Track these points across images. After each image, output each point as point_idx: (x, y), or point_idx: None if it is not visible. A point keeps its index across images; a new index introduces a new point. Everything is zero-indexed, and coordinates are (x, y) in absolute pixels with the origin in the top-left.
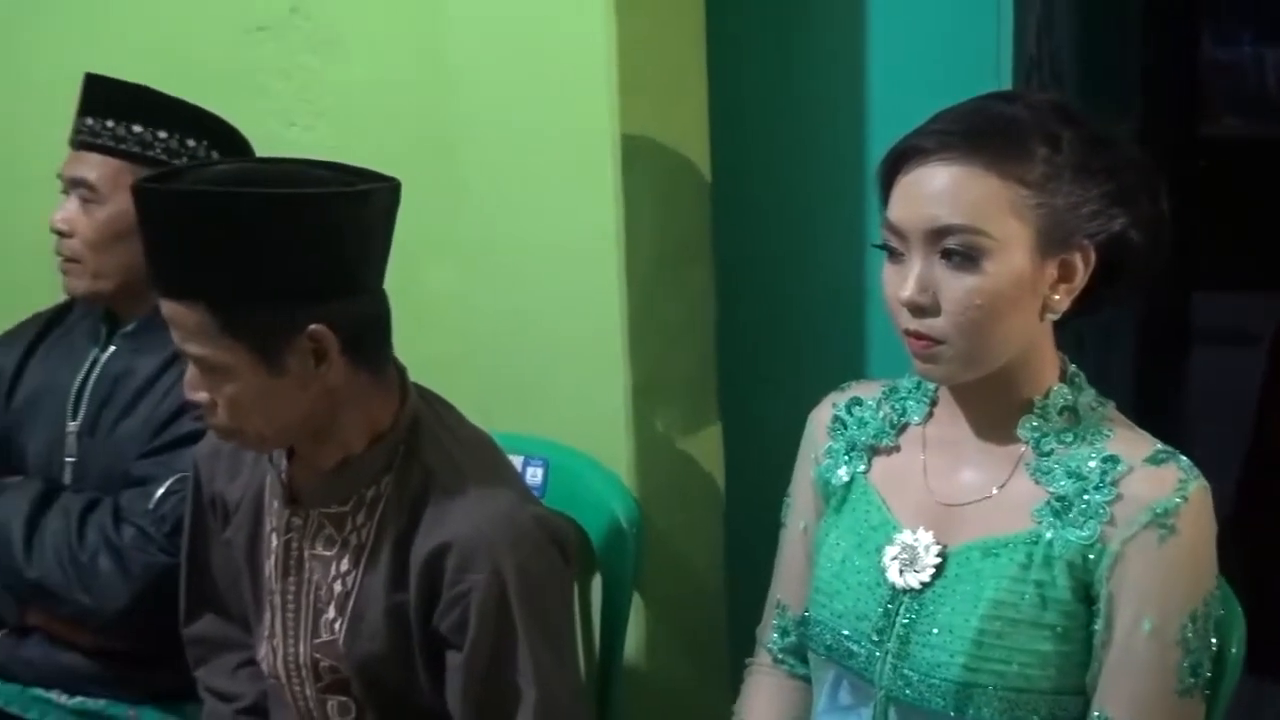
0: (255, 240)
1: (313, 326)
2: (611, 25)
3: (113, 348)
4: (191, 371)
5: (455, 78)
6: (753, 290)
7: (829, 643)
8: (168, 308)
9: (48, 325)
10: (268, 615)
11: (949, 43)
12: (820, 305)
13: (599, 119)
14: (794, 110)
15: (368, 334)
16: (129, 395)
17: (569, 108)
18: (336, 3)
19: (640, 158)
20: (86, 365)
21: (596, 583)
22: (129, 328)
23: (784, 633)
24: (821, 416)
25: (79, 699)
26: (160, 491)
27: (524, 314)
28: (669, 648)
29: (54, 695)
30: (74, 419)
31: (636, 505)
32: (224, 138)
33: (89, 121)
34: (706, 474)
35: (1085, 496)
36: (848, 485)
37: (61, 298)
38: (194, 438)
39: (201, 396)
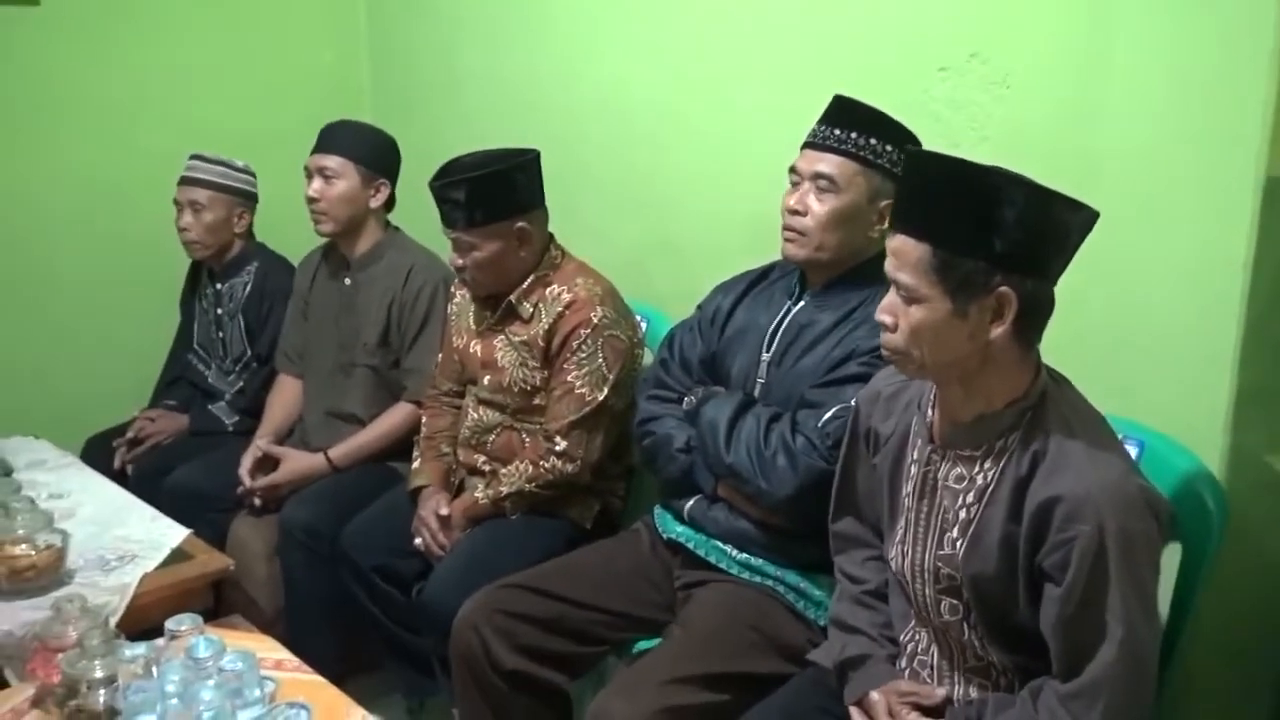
0: (991, 210)
1: (1002, 289)
2: (1273, 71)
3: (802, 303)
4: (890, 297)
5: (1106, 112)
6: None
7: None
8: (897, 241)
9: (756, 280)
10: (900, 527)
11: None
12: None
13: (1244, 155)
14: None
15: (1036, 315)
16: (809, 340)
17: (1214, 143)
18: (1010, 49)
19: None
20: (780, 313)
21: (1171, 553)
22: (816, 289)
23: None
24: None
25: (744, 555)
26: (828, 415)
27: (1137, 318)
28: (1229, 627)
29: (728, 549)
30: (767, 351)
31: (1225, 494)
32: None
33: (836, 131)
34: None
35: None
36: None
37: (756, 260)
38: (855, 379)
39: (887, 319)
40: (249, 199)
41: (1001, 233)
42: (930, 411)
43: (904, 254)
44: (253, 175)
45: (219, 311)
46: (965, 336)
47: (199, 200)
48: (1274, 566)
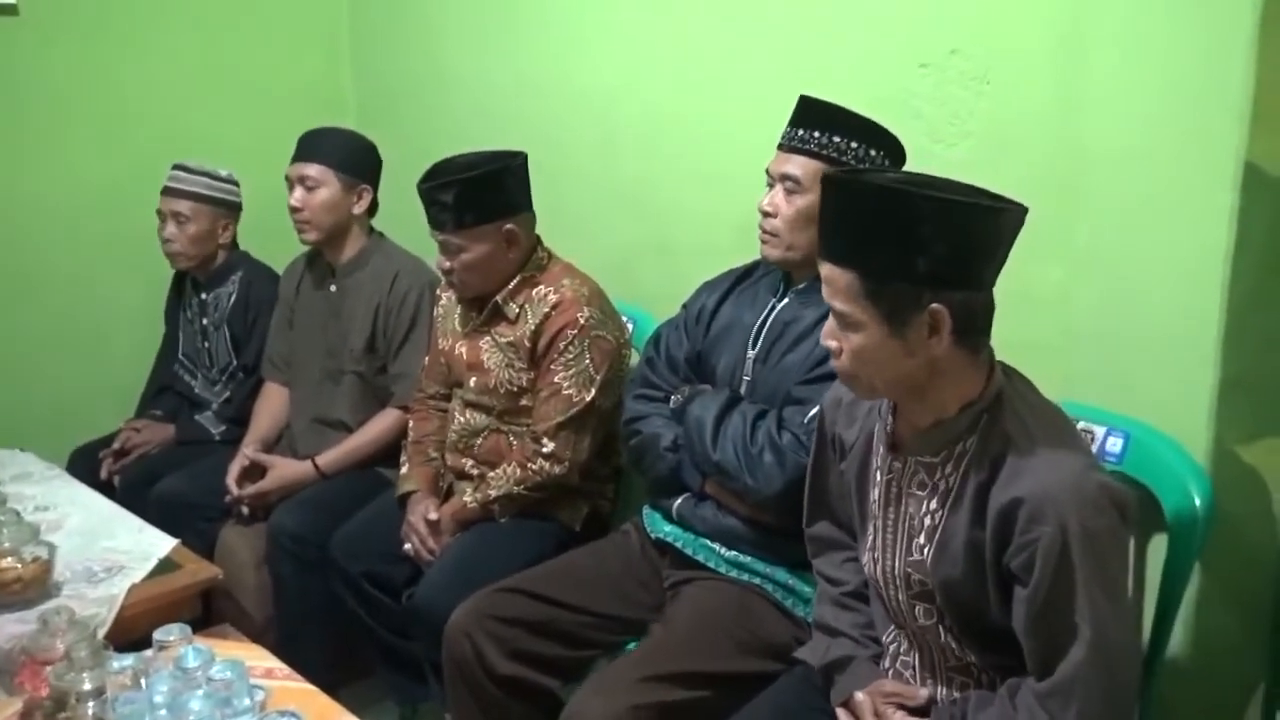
0: (910, 230)
1: (934, 306)
2: (1251, 64)
3: (786, 300)
4: (830, 323)
5: (1088, 108)
6: None
7: None
8: (826, 269)
9: (741, 278)
10: (870, 534)
11: None
12: None
13: (1224, 148)
14: None
15: (975, 322)
16: (794, 337)
17: (1195, 137)
18: (990, 46)
19: (1260, 186)
20: (765, 310)
21: (1159, 545)
22: (800, 286)
23: None
24: None
25: (733, 553)
26: (813, 411)
27: (1123, 312)
28: (1215, 618)
29: (717, 547)
30: (753, 349)
31: (1210, 484)
32: (894, 150)
33: (800, 132)
34: None
35: None
36: None
37: (743, 260)
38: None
39: (832, 344)
40: (233, 209)
41: (924, 252)
42: (890, 419)
43: (834, 282)
44: (236, 184)
45: (204, 321)
46: (905, 355)
47: (182, 211)
48: (1258, 559)
